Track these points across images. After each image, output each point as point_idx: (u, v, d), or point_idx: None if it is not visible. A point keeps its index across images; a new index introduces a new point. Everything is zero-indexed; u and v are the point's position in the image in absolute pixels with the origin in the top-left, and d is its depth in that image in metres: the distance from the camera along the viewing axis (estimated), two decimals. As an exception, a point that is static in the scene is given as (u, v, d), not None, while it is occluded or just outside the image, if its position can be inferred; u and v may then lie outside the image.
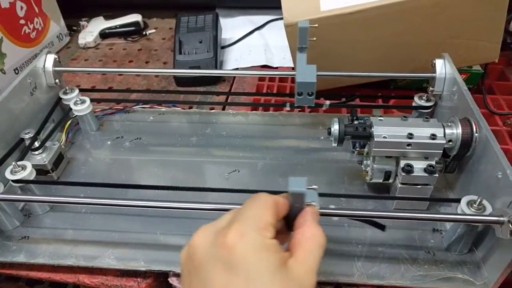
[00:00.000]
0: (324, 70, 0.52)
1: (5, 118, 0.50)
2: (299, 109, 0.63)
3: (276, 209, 0.30)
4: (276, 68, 0.76)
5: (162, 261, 0.44)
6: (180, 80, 0.72)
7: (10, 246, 0.45)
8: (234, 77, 0.74)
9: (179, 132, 0.60)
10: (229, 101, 0.68)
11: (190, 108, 0.67)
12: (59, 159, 0.53)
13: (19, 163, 0.46)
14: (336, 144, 0.45)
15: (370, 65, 0.63)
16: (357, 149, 0.54)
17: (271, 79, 0.72)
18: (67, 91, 0.59)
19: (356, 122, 0.49)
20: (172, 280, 0.44)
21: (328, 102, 0.57)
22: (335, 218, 0.45)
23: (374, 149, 0.44)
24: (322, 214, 0.33)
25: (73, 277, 0.45)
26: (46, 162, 0.51)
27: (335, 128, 0.45)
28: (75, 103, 0.57)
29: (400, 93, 0.68)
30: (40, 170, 0.50)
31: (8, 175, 0.45)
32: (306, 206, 0.32)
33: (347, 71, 0.59)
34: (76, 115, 0.59)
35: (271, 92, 0.70)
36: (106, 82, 0.77)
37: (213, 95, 0.69)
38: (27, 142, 0.50)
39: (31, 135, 0.50)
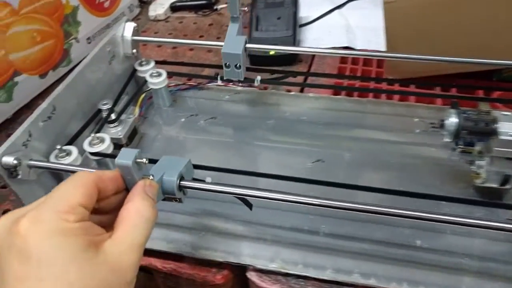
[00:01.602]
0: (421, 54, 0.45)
1: (84, 87, 0.48)
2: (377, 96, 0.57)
3: (91, 187, 0.28)
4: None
5: (241, 253, 0.40)
6: (256, 59, 0.68)
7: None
8: (313, 58, 0.69)
9: (256, 114, 0.55)
10: (307, 82, 0.63)
11: (265, 88, 0.62)
12: (133, 134, 0.51)
13: (97, 135, 0.43)
14: (450, 140, 0.39)
15: (473, 52, 0.55)
16: (460, 146, 0.47)
17: (354, 61, 0.66)
18: (143, 63, 0.56)
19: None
20: (251, 275, 0.40)
21: (259, 77, 0.52)
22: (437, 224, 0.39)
23: (496, 149, 0.38)
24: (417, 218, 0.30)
25: (144, 259, 0.43)
26: (122, 136, 0.48)
27: (452, 121, 0.38)
28: (151, 76, 0.54)
29: (506, 86, 0.59)
30: (114, 144, 0.48)
31: (86, 147, 0.43)
32: (140, 179, 0.30)
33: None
34: (150, 88, 0.56)
35: (354, 75, 0.64)
36: (176, 57, 0.74)
37: (289, 76, 0.64)
38: (104, 114, 0.48)
39: (109, 107, 0.48)
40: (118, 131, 0.48)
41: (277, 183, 0.40)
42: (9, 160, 0.36)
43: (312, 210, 0.42)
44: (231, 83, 0.60)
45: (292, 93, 0.59)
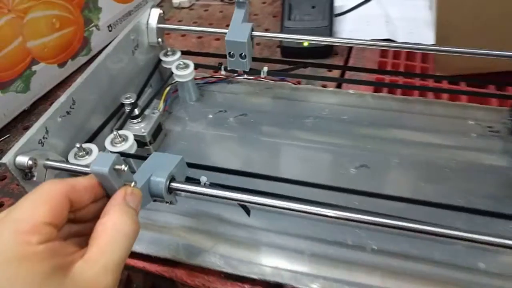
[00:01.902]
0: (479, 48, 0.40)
1: (105, 79, 0.44)
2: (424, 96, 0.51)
3: (60, 201, 0.24)
4: (400, 43, 0.64)
5: (277, 269, 0.36)
6: (288, 50, 0.63)
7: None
8: (350, 51, 0.63)
9: (291, 112, 0.50)
10: (345, 78, 0.57)
11: (298, 83, 0.57)
12: (157, 131, 0.46)
13: (120, 132, 0.39)
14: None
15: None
16: (526, 154, 0.42)
17: (396, 55, 0.60)
18: (168, 53, 0.52)
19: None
20: (289, 296, 0.36)
21: (265, 68, 0.48)
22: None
23: None
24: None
25: (169, 271, 0.39)
26: (145, 133, 0.44)
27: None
28: (177, 67, 0.50)
29: None
30: (137, 142, 0.43)
31: (108, 145, 0.38)
32: (121, 187, 0.27)
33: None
34: (176, 81, 0.51)
35: (397, 70, 0.58)
36: (201, 47, 0.69)
37: (324, 70, 0.59)
38: (127, 109, 0.44)
39: (132, 101, 0.43)
40: (142, 127, 0.44)
41: (310, 191, 0.35)
42: (24, 160, 0.32)
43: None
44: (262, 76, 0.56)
45: (330, 89, 0.54)
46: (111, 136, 0.39)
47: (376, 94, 0.52)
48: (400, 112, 0.49)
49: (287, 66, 0.52)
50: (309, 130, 0.48)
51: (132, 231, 0.25)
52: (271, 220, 0.39)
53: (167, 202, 0.31)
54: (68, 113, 0.38)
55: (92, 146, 0.38)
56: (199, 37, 0.71)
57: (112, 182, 0.27)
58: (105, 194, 0.28)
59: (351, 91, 0.53)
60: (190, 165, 0.38)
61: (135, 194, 0.27)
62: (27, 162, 0.32)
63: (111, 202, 0.26)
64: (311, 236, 0.38)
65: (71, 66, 0.62)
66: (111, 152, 0.38)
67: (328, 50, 0.63)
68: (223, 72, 0.49)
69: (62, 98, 0.37)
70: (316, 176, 0.42)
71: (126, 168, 0.27)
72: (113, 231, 0.25)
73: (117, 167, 0.27)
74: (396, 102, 0.51)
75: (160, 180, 0.30)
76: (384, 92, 0.54)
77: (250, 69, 0.49)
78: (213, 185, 0.36)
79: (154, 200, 0.31)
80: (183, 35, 0.72)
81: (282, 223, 0.39)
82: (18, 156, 0.32)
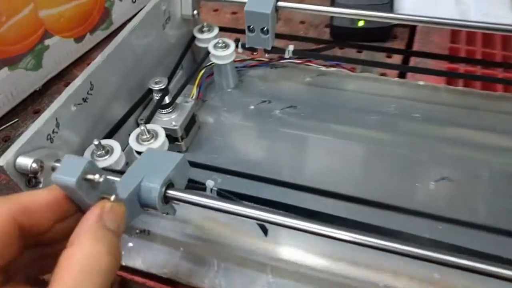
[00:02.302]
0: None
1: (130, 57, 0.36)
2: None
3: (3, 234, 0.18)
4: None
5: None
6: (339, 31, 0.53)
7: (126, 242, 0.32)
8: (412, 34, 0.54)
9: (350, 105, 0.42)
10: (410, 65, 0.48)
11: (352, 70, 0.48)
12: (191, 123, 0.38)
13: (148, 126, 0.31)
14: None
15: None
16: None
17: (470, 41, 0.51)
18: (204, 29, 0.43)
19: None
20: None
21: (291, 47, 0.41)
22: None
23: None
24: None
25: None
26: (177, 127, 0.36)
27: None
28: (215, 46, 0.42)
29: None
30: (167, 136, 0.36)
31: (133, 143, 0.31)
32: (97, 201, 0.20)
33: None
34: (212, 63, 0.43)
35: (474, 58, 0.49)
36: (237, 24, 0.60)
37: (382, 56, 0.50)
38: (156, 96, 0.36)
39: (163, 86, 0.35)
40: (172, 119, 0.36)
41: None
42: (27, 162, 0.25)
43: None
44: (255, 53, 0.48)
45: (395, 79, 0.45)
46: (137, 131, 0.31)
47: (451, 87, 0.43)
48: (486, 112, 0.40)
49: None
50: (373, 129, 0.39)
51: (108, 265, 0.18)
52: (291, 235, 0.31)
53: (163, 213, 0.24)
54: (84, 100, 0.30)
55: (113, 143, 0.30)
56: (234, 13, 0.62)
57: (83, 196, 0.19)
58: (77, 209, 0.21)
59: (420, 83, 0.44)
60: (196, 165, 0.30)
61: (115, 212, 0.20)
62: (31, 165, 0.25)
63: (81, 224, 0.19)
64: (335, 256, 0.30)
65: (89, 41, 0.54)
66: (136, 152, 0.30)
67: (386, 32, 0.53)
68: (240, 50, 0.41)
69: (78, 80, 0.30)
70: (385, 191, 0.34)
71: (102, 179, 0.19)
72: (82, 266, 0.18)
73: (89, 177, 0.19)
74: (477, 98, 0.41)
75: (153, 187, 0.22)
76: (460, 85, 0.45)
77: (297, 51, 0.41)
78: (222, 193, 0.28)
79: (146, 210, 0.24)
80: (215, 10, 0.63)
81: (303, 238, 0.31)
82: (19, 156, 0.25)
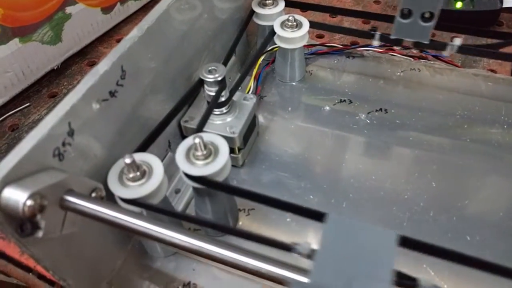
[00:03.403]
0: None
1: (173, 36, 0.25)
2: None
3: None
4: None
5: None
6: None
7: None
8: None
9: (463, 112, 0.31)
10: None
11: (449, 62, 0.37)
12: (250, 128, 0.29)
13: (204, 137, 0.21)
14: None
15: None
16: None
17: None
18: (267, 2, 0.33)
19: None
20: None
21: (457, 40, 0.28)
22: None
23: None
24: None
25: None
26: (236, 135, 0.26)
27: None
28: (283, 25, 0.31)
29: None
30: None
31: (182, 163, 0.21)
32: None
33: None
34: (276, 47, 0.33)
35: None
36: None
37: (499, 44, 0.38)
38: (209, 91, 0.26)
39: (219, 78, 0.25)
40: (228, 123, 0.26)
41: None
42: (18, 198, 0.15)
43: None
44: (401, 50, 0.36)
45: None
46: (188, 142, 0.21)
47: None
48: None
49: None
50: (497, 146, 0.28)
51: None
52: None
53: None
54: (112, 94, 0.20)
55: (152, 159, 0.20)
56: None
57: None
58: None
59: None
60: (252, 196, 0.19)
61: None
62: (25, 204, 0.15)
63: None
64: None
65: (119, 13, 0.44)
66: (187, 176, 0.20)
67: (491, 16, 0.42)
68: (375, 43, 0.30)
69: (104, 64, 0.20)
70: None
71: None
72: None
73: None
74: None
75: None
76: None
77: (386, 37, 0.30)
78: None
79: None
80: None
81: None
82: (6, 188, 0.15)
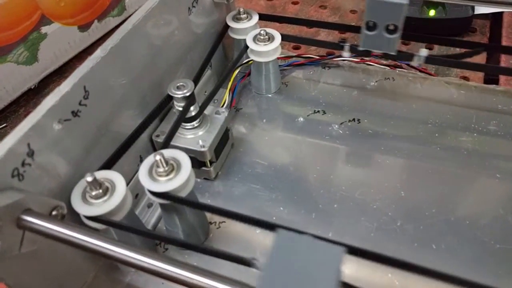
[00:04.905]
0: None
1: (142, 51, 0.26)
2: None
3: None
4: None
5: None
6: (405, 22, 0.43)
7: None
8: (494, 27, 0.43)
9: (435, 120, 0.31)
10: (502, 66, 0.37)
11: (424, 70, 0.38)
12: (223, 141, 0.29)
13: (169, 153, 0.22)
14: None
15: None
16: None
17: None
18: (241, 16, 0.33)
19: None
20: None
21: (424, 51, 0.29)
22: None
23: None
24: None
25: None
26: (206, 148, 0.26)
27: None
28: (256, 39, 0.32)
29: None
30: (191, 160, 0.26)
31: (145, 180, 0.21)
32: None
33: None
34: (250, 61, 0.33)
35: None
36: (273, 11, 0.50)
37: (467, 54, 0.39)
38: (178, 106, 0.26)
39: (188, 93, 0.25)
40: (199, 137, 0.27)
41: None
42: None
43: None
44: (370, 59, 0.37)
45: (492, 86, 0.34)
46: (151, 158, 0.21)
47: None
48: None
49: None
50: (464, 154, 0.29)
51: None
52: None
53: None
54: (75, 114, 0.21)
55: (115, 176, 0.21)
56: (269, 0, 0.52)
57: None
58: None
59: (524, 91, 0.33)
60: (221, 212, 0.19)
61: None
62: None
63: None
64: None
65: (97, 30, 0.45)
66: (151, 192, 0.21)
67: (465, 24, 0.43)
68: (346, 54, 0.30)
69: (65, 86, 0.20)
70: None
71: None
72: None
73: None
74: None
75: None
76: None
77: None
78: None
79: None
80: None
81: None
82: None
